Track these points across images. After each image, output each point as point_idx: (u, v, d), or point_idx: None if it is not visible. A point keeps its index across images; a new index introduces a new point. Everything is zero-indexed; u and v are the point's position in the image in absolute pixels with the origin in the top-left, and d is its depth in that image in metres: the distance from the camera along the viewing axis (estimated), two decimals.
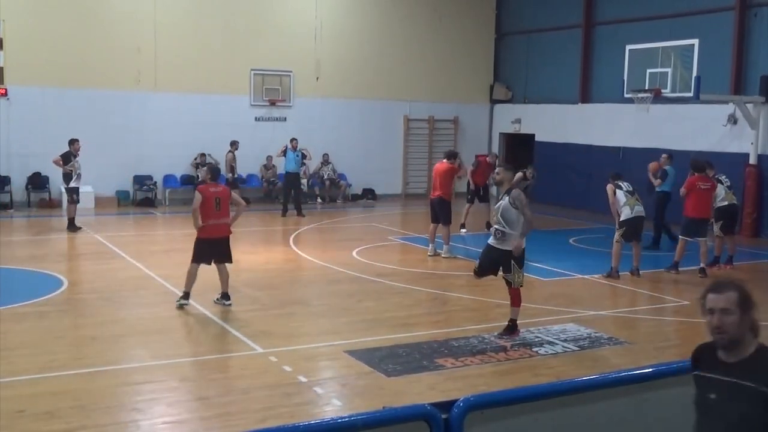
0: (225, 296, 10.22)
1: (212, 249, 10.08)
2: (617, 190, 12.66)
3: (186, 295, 10.09)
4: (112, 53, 20.34)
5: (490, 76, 25.86)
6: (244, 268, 12.77)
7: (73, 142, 16.41)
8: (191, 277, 10.07)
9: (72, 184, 16.24)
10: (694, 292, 11.83)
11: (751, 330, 3.50)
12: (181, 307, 10.00)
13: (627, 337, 9.33)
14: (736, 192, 14.37)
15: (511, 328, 8.99)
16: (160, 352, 8.32)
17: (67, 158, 16.20)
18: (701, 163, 13.47)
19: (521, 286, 8.91)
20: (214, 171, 10.51)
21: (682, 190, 13.00)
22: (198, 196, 10.03)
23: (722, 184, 13.67)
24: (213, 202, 9.94)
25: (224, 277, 10.22)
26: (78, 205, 16.36)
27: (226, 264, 10.24)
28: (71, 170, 16.18)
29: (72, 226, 16.08)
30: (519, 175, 18.15)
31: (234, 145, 20.65)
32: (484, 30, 25.57)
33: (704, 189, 12.92)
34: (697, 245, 13.05)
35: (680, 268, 13.12)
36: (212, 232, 10.02)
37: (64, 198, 17.23)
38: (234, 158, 20.80)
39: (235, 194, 10.44)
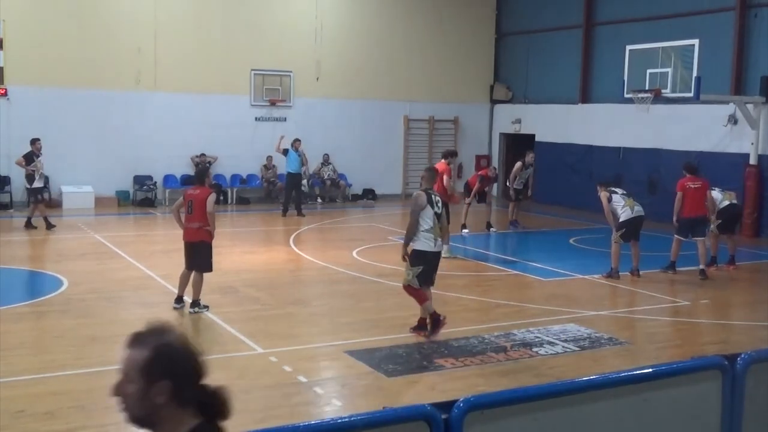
0: (192, 304, 9.89)
1: (186, 253, 10.00)
2: (612, 195, 12.69)
3: (176, 299, 10.07)
4: (112, 53, 20.35)
5: (490, 76, 25.86)
6: (244, 268, 12.79)
7: (33, 141, 16.41)
8: (180, 280, 10.07)
9: (35, 185, 16.19)
10: (694, 293, 11.87)
11: (184, 406, 2.50)
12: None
13: (627, 338, 9.33)
14: (736, 193, 14.42)
15: (421, 327, 8.95)
16: None
17: (30, 158, 16.18)
18: (693, 165, 13.55)
19: (408, 285, 8.80)
20: (195, 174, 10.53)
21: (678, 195, 13.01)
22: (180, 199, 10.21)
23: (715, 190, 13.71)
24: (186, 205, 9.92)
25: (194, 282, 9.88)
26: (76, 206, 16.34)
27: (201, 273, 9.87)
28: (33, 170, 16.15)
29: (29, 224, 16.16)
30: (519, 164, 18.22)
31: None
32: (484, 30, 25.57)
33: (694, 188, 12.94)
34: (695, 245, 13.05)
35: (682, 268, 13.14)
36: (184, 234, 10.01)
37: (66, 197, 17.21)
38: None
39: (209, 200, 9.72)
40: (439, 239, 8.81)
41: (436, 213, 8.72)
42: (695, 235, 12.91)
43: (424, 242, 8.71)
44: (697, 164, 14.15)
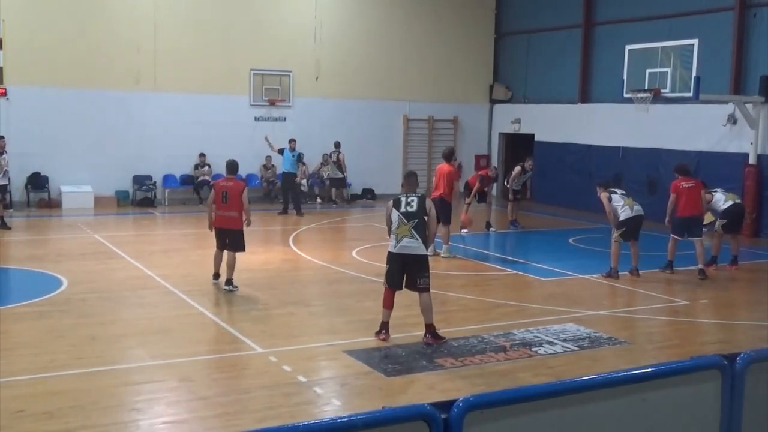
0: (227, 282, 11.02)
1: (222, 237, 11.17)
2: (612, 195, 12.71)
3: (214, 276, 11.31)
4: (111, 53, 20.35)
5: (489, 76, 25.86)
6: (244, 268, 12.76)
7: None
8: (214, 260, 11.32)
9: None
10: (694, 292, 11.88)
11: None
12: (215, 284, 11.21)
13: (626, 337, 9.33)
14: (735, 193, 14.44)
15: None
16: (160, 352, 8.32)
17: None
18: (685, 166, 13.57)
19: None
20: (228, 166, 11.54)
21: (672, 196, 13.02)
22: (211, 191, 11.53)
23: (717, 191, 13.72)
24: (220, 195, 11.06)
25: (229, 263, 11.08)
26: (76, 205, 16.20)
27: (237, 252, 11.18)
28: None
29: (3, 225, 16.03)
30: (518, 168, 18.26)
31: (338, 146, 22.05)
32: (483, 30, 25.57)
33: (688, 187, 12.97)
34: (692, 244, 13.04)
35: (681, 268, 13.14)
36: (219, 222, 11.15)
37: (65, 197, 17.04)
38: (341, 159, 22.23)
39: (244, 194, 11.10)
40: (405, 239, 8.56)
41: (402, 213, 8.61)
42: (692, 235, 12.91)
43: (390, 243, 8.76)
44: (690, 166, 14.19)
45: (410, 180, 9.14)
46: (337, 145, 22.42)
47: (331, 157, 22.47)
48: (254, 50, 22.02)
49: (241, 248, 11.21)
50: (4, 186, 16.41)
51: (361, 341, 8.76)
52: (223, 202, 11.00)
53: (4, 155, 16.29)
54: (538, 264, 13.80)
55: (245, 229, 11.41)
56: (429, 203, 8.80)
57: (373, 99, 23.80)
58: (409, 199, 8.73)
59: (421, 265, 8.68)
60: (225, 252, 11.18)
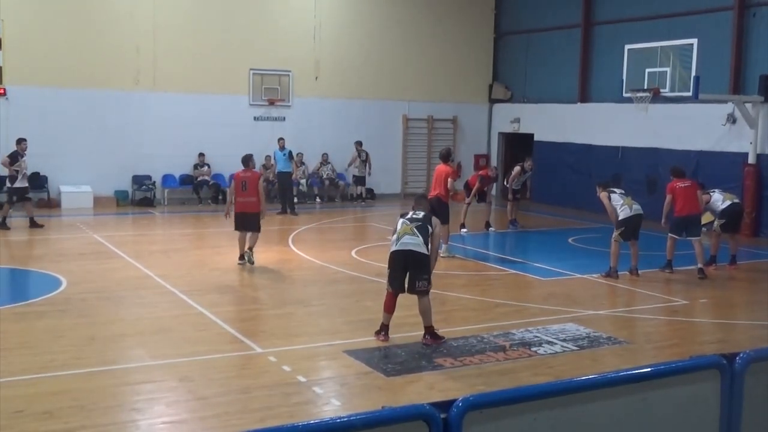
0: (249, 248, 12.75)
1: (242, 221, 12.78)
2: (611, 195, 12.72)
3: (240, 257, 12.84)
4: (110, 53, 20.34)
5: (489, 76, 25.86)
6: (243, 267, 12.79)
7: (19, 141, 16.42)
8: (239, 242, 12.85)
9: (17, 185, 16.19)
10: (693, 292, 11.88)
11: None
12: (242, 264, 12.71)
13: (626, 337, 9.34)
14: (735, 192, 14.45)
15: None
16: (159, 352, 8.32)
17: (14, 158, 16.17)
18: (680, 169, 13.60)
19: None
20: (243, 159, 13.09)
21: (668, 197, 13.03)
22: (232, 182, 13.33)
23: (715, 191, 13.74)
24: (240, 184, 12.75)
25: (251, 240, 12.80)
26: (75, 205, 16.20)
27: (256, 232, 12.85)
28: (17, 170, 16.13)
29: (3, 225, 16.08)
30: (518, 168, 18.27)
31: (360, 144, 22.67)
32: (483, 30, 25.57)
33: (684, 187, 13.00)
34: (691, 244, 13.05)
35: (681, 267, 13.15)
36: (239, 207, 12.75)
37: (65, 197, 16.94)
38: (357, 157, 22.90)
39: (260, 183, 12.79)
40: (406, 236, 8.62)
41: (407, 219, 8.76)
42: (690, 234, 12.92)
43: (391, 247, 8.83)
44: (689, 166, 14.20)
45: (420, 201, 9.36)
46: (360, 144, 22.81)
47: (360, 156, 22.79)
48: (254, 50, 22.02)
49: (258, 229, 12.80)
50: (24, 188, 16.46)
51: (361, 341, 8.77)
52: (243, 190, 12.70)
53: (24, 158, 16.34)
54: (538, 264, 13.81)
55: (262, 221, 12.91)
56: (436, 221, 8.93)
57: (373, 99, 23.80)
58: (416, 211, 8.93)
59: (422, 264, 8.68)
60: (247, 233, 12.82)
